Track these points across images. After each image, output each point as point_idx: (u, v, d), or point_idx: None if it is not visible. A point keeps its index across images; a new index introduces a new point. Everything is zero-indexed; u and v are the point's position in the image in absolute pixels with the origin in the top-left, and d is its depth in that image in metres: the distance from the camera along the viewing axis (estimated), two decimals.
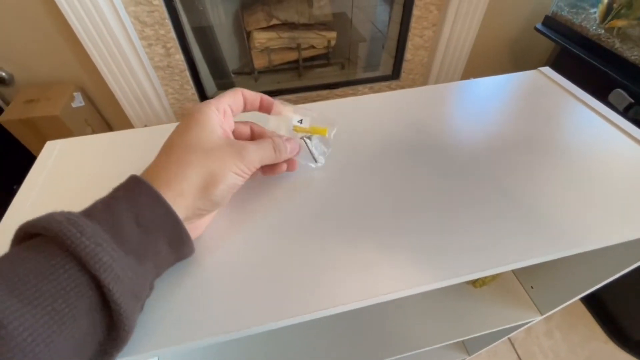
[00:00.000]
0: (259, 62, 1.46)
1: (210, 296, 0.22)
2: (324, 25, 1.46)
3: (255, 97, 0.27)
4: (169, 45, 1.18)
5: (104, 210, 0.18)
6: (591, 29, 0.98)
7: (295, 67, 1.51)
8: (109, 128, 1.41)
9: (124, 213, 0.18)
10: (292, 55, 1.46)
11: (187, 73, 1.27)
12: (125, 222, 0.18)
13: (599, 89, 0.92)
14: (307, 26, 1.42)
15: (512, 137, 0.33)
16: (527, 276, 0.49)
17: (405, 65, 1.44)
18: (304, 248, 0.24)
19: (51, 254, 0.15)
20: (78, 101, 1.19)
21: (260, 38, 1.36)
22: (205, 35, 1.36)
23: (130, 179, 0.20)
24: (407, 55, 1.40)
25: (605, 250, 0.36)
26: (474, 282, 0.49)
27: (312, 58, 1.51)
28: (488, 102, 0.37)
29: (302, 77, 1.54)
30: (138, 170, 0.21)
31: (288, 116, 0.30)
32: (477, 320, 0.47)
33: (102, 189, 0.19)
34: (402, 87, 1.48)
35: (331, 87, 1.48)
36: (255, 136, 0.28)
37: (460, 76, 1.43)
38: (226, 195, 0.23)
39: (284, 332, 0.48)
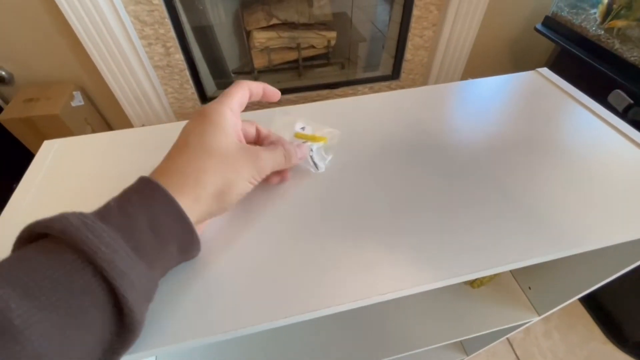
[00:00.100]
0: (259, 61, 1.46)
1: (209, 295, 0.22)
2: (324, 25, 1.46)
3: (259, 88, 0.27)
4: (168, 44, 1.18)
5: (120, 214, 0.18)
6: (591, 30, 0.98)
7: (295, 66, 1.51)
8: (109, 127, 1.41)
9: (139, 218, 0.18)
10: (292, 55, 1.46)
11: (187, 72, 1.27)
12: (140, 228, 0.18)
13: (599, 89, 0.92)
14: (307, 26, 1.42)
15: (510, 138, 0.33)
16: (524, 277, 0.49)
17: (405, 65, 1.44)
18: (304, 248, 0.24)
19: (67, 259, 0.15)
20: (78, 100, 1.19)
21: (260, 37, 1.36)
22: (205, 34, 1.36)
23: (144, 182, 0.20)
24: (407, 55, 1.40)
25: (603, 251, 0.36)
26: (471, 283, 0.49)
27: (312, 58, 1.51)
28: (486, 102, 0.37)
29: (302, 76, 1.54)
30: (136, 171, 0.21)
31: (291, 120, 0.30)
32: (475, 320, 0.47)
33: (99, 189, 0.19)
34: (402, 87, 1.48)
35: (331, 87, 1.48)
36: (260, 138, 0.28)
37: (460, 76, 1.43)
38: (236, 201, 0.23)
39: (283, 331, 0.48)
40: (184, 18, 1.19)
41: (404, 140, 0.33)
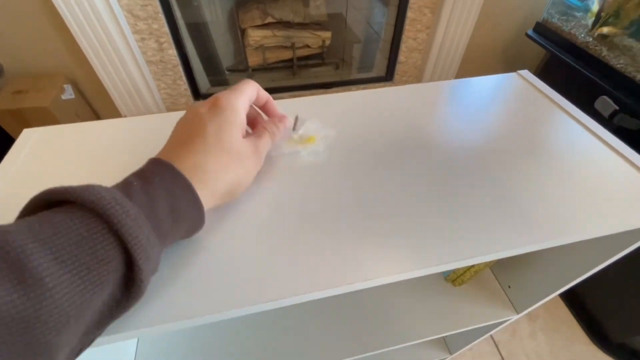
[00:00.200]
0: (254, 59, 1.46)
1: (195, 279, 0.22)
2: (319, 25, 1.46)
3: (264, 96, 0.29)
4: (162, 39, 1.17)
5: (143, 194, 0.19)
6: (580, 37, 1.00)
7: (289, 65, 1.51)
8: None
9: (161, 201, 0.19)
10: (286, 54, 1.47)
11: (180, 68, 1.26)
12: (160, 210, 0.19)
13: (586, 95, 0.94)
14: (302, 25, 1.43)
15: (490, 135, 0.33)
16: (505, 276, 0.50)
17: (398, 67, 1.45)
18: (285, 236, 0.25)
19: (95, 229, 0.16)
20: (68, 93, 1.18)
21: (255, 36, 1.36)
22: (199, 31, 1.36)
23: (165, 167, 0.21)
24: (401, 57, 1.41)
25: (577, 248, 0.37)
26: (453, 281, 0.49)
27: (307, 57, 1.52)
28: (469, 101, 0.38)
29: (296, 76, 1.54)
30: (118, 162, 0.21)
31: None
32: (456, 317, 0.48)
33: (78, 179, 0.20)
34: None
35: (325, 87, 1.48)
36: (249, 119, 0.30)
37: (452, 79, 1.44)
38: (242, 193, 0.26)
39: (265, 323, 0.48)
40: (178, 14, 1.19)
41: (390, 134, 0.33)
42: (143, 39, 1.16)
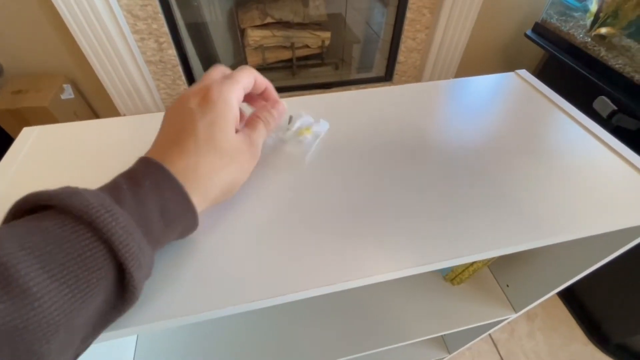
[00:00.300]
0: (253, 59, 1.46)
1: (192, 277, 0.22)
2: (318, 25, 1.46)
3: (263, 83, 0.27)
4: (161, 39, 1.17)
5: (132, 198, 0.18)
6: (578, 37, 1.00)
7: (289, 65, 1.52)
8: None
9: (152, 205, 0.19)
10: (286, 54, 1.47)
11: (180, 68, 1.27)
12: (151, 214, 0.19)
13: (585, 95, 0.94)
14: (302, 25, 1.43)
15: (486, 135, 0.33)
16: (503, 275, 0.50)
17: (398, 67, 1.45)
18: (281, 233, 0.25)
19: (83, 237, 0.16)
20: (68, 93, 1.18)
21: (255, 36, 1.36)
22: (198, 31, 1.36)
23: (156, 167, 0.20)
24: (400, 57, 1.41)
25: (574, 248, 0.37)
26: (451, 280, 0.50)
27: (306, 57, 1.52)
28: (466, 100, 0.38)
29: (295, 76, 1.54)
30: (117, 161, 0.21)
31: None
32: (455, 316, 0.48)
33: (78, 179, 0.20)
34: None
35: (324, 87, 1.49)
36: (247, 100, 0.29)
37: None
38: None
39: (264, 321, 0.48)
40: (177, 14, 1.19)
41: (388, 132, 0.34)
42: (142, 39, 1.16)
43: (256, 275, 0.23)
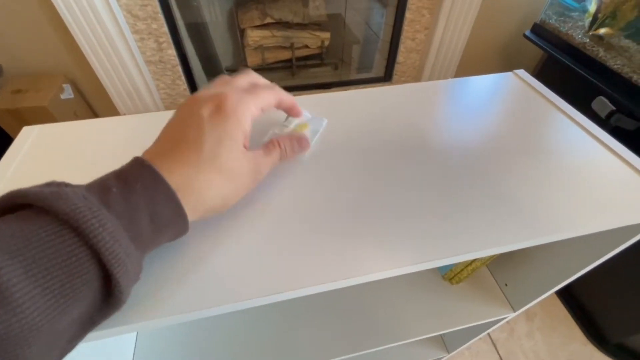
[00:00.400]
0: (253, 60, 1.46)
1: (193, 274, 0.22)
2: (318, 26, 1.47)
3: (288, 102, 0.27)
4: (161, 39, 1.18)
5: (122, 202, 0.18)
6: (577, 38, 1.00)
7: (288, 66, 1.52)
8: None
9: (141, 210, 0.18)
10: (285, 54, 1.47)
11: (180, 68, 1.27)
12: (141, 219, 0.18)
13: (583, 95, 0.95)
14: (302, 26, 1.43)
15: (484, 134, 0.34)
16: (501, 274, 0.50)
17: (397, 68, 1.45)
18: (284, 233, 0.25)
19: (68, 241, 0.15)
20: (67, 93, 1.18)
21: (254, 36, 1.36)
22: (198, 31, 1.36)
23: (148, 171, 0.19)
24: (400, 57, 1.42)
25: (572, 247, 0.37)
26: (450, 279, 0.50)
27: (306, 58, 1.52)
28: (464, 100, 0.38)
29: (295, 76, 1.54)
30: (118, 160, 0.21)
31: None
32: (454, 315, 0.48)
33: (78, 178, 0.19)
34: None
35: (324, 87, 1.49)
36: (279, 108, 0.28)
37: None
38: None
39: (261, 319, 0.48)
40: (177, 14, 1.19)
41: (387, 132, 0.34)
42: (142, 39, 1.16)
43: (255, 273, 0.23)
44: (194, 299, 0.21)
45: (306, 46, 1.47)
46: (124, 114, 1.29)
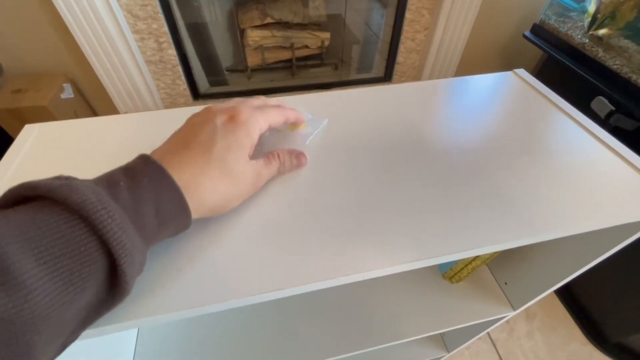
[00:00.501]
0: (253, 60, 1.46)
1: (193, 269, 0.23)
2: (318, 26, 1.47)
3: (292, 117, 0.30)
4: (161, 39, 1.18)
5: (129, 196, 0.18)
6: (576, 38, 1.01)
7: (288, 66, 1.52)
8: None
9: (148, 204, 0.19)
10: (285, 54, 1.47)
11: (180, 68, 1.27)
12: (147, 213, 0.19)
13: (582, 95, 0.95)
14: (302, 26, 1.43)
15: (484, 133, 0.34)
16: (501, 273, 0.50)
17: (397, 68, 1.45)
18: (283, 230, 0.25)
19: (78, 231, 0.16)
20: (67, 93, 1.18)
21: (254, 36, 1.36)
22: (198, 31, 1.36)
23: (155, 169, 0.20)
24: (399, 58, 1.42)
25: (571, 245, 0.37)
26: (450, 278, 0.50)
27: (306, 58, 1.52)
28: (464, 99, 0.38)
29: (295, 76, 1.54)
30: (119, 158, 0.21)
31: None
32: (454, 314, 0.48)
33: (78, 176, 0.19)
34: None
35: (324, 87, 1.49)
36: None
37: None
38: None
39: (262, 317, 0.48)
40: (177, 14, 1.19)
41: (386, 131, 0.34)
42: (142, 39, 1.16)
43: (256, 270, 0.23)
44: (194, 296, 0.21)
45: (306, 46, 1.47)
46: (123, 112, 1.29)
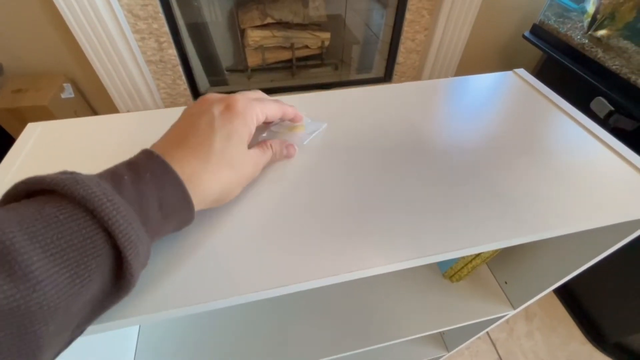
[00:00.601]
0: (253, 60, 1.46)
1: (194, 267, 0.23)
2: (318, 26, 1.47)
3: (290, 114, 0.30)
4: (162, 39, 1.18)
5: (133, 189, 0.19)
6: (576, 39, 1.01)
7: (288, 66, 1.52)
8: None
9: (151, 197, 0.19)
10: (286, 54, 1.48)
11: (180, 68, 1.27)
12: (150, 206, 0.19)
13: (582, 96, 0.95)
14: (302, 26, 1.44)
15: (484, 133, 0.34)
16: (501, 272, 0.50)
17: (397, 68, 1.46)
18: (283, 228, 0.25)
19: (84, 224, 0.16)
20: (68, 92, 1.18)
21: (255, 36, 1.36)
22: (199, 31, 1.36)
23: (158, 163, 0.20)
24: (399, 58, 1.42)
25: (571, 244, 0.38)
26: (450, 277, 0.50)
27: (306, 58, 1.53)
28: (463, 99, 0.38)
29: (295, 76, 1.55)
30: (121, 156, 0.21)
31: None
32: (453, 313, 0.48)
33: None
34: None
35: (324, 87, 1.49)
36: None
37: None
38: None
39: (262, 316, 0.48)
40: (178, 13, 1.19)
41: (386, 130, 0.34)
42: (143, 39, 1.16)
43: (258, 268, 0.23)
44: (195, 293, 0.21)
45: (306, 46, 1.47)
46: (123, 111, 1.29)
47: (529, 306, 1.12)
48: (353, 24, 1.57)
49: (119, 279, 0.18)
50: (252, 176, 0.27)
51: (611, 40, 0.94)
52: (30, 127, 0.33)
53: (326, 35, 1.45)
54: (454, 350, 0.71)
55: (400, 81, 1.51)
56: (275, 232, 0.25)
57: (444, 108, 0.37)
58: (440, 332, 0.74)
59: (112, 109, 1.30)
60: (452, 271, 0.49)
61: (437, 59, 1.39)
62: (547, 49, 1.08)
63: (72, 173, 0.18)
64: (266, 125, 0.32)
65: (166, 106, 1.37)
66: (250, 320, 0.48)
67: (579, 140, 0.33)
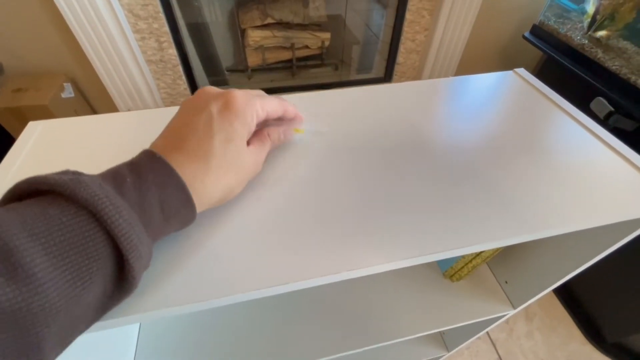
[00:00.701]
0: (253, 60, 1.46)
1: (195, 265, 0.23)
2: (318, 26, 1.47)
3: (291, 113, 0.29)
4: (162, 39, 1.18)
5: (135, 191, 0.19)
6: (576, 39, 1.01)
7: (289, 66, 1.52)
8: None
9: (153, 199, 0.19)
10: (286, 55, 1.48)
11: (180, 68, 1.27)
12: (153, 208, 0.19)
13: (582, 96, 0.95)
14: (302, 26, 1.44)
15: (485, 132, 0.34)
16: (501, 272, 0.50)
17: (397, 68, 1.46)
18: (284, 228, 0.25)
19: (86, 226, 0.16)
20: (68, 92, 1.18)
21: (255, 36, 1.37)
22: (199, 31, 1.36)
23: (159, 164, 0.20)
24: (399, 58, 1.42)
25: (571, 243, 0.38)
26: (451, 276, 0.50)
27: (306, 58, 1.53)
28: (463, 98, 0.38)
29: (295, 76, 1.55)
30: (122, 155, 0.21)
31: None
32: (454, 312, 0.48)
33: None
34: None
35: (324, 87, 1.49)
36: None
37: None
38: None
39: (262, 315, 0.48)
40: (178, 13, 1.19)
41: (386, 130, 0.34)
42: (143, 38, 1.17)
43: (259, 267, 0.23)
44: (195, 290, 0.21)
45: (306, 47, 1.47)
46: (123, 111, 1.29)
47: (529, 306, 1.12)
48: (353, 24, 1.57)
49: (120, 281, 0.18)
50: (254, 173, 0.26)
51: (611, 41, 0.94)
52: (31, 125, 0.33)
53: (326, 36, 1.46)
54: (454, 350, 0.71)
55: (400, 81, 1.51)
56: (275, 230, 0.25)
57: (444, 108, 0.37)
58: (440, 332, 0.74)
59: (112, 108, 1.30)
60: (452, 271, 0.49)
61: (437, 60, 1.39)
62: (547, 50, 1.08)
63: (74, 173, 0.18)
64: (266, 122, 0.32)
65: (166, 106, 1.36)
66: (250, 319, 0.48)
67: (579, 139, 0.33)
